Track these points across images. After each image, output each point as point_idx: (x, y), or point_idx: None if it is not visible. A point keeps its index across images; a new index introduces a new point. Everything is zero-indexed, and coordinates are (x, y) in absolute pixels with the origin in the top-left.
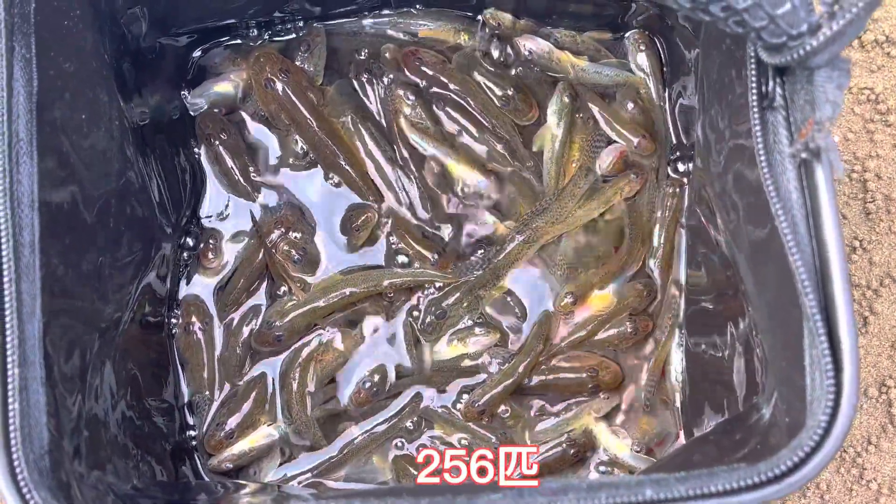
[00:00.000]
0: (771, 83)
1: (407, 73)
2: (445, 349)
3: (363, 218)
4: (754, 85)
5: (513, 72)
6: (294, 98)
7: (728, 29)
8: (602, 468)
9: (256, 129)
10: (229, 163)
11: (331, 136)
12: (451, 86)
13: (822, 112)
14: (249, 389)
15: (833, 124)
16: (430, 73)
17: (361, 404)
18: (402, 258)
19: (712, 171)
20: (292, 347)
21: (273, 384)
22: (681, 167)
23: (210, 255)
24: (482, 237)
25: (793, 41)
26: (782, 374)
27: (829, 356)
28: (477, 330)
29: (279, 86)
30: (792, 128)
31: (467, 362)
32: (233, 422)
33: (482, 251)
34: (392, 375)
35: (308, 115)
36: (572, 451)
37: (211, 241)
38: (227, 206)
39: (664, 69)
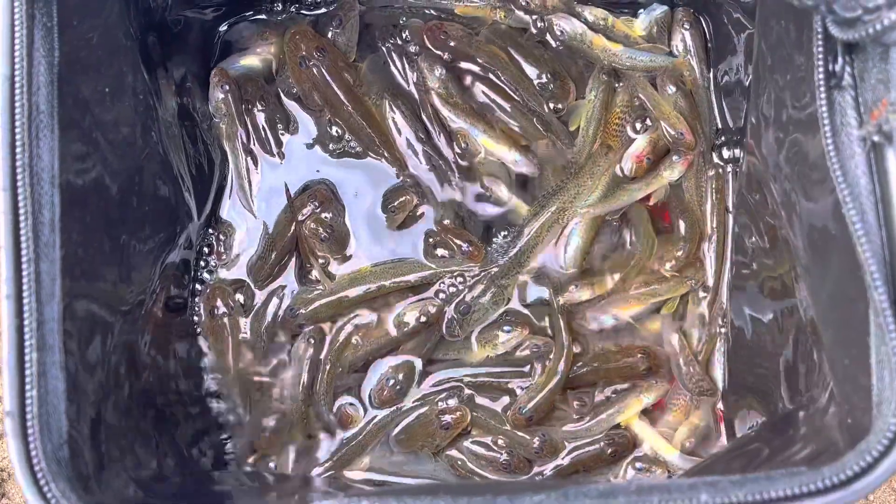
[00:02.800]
0: (840, 60)
1: (431, 47)
2: (475, 353)
3: (400, 200)
4: (821, 63)
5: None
6: (329, 78)
7: (797, 2)
8: (638, 465)
9: (289, 107)
10: (263, 132)
11: (366, 117)
12: (479, 59)
13: None
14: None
15: None
16: (455, 45)
17: (384, 403)
18: (441, 251)
19: (767, 155)
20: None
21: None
22: (725, 153)
23: (221, 250)
24: (504, 219)
25: (868, 15)
26: (844, 372)
27: None
28: (504, 328)
29: (314, 65)
30: (861, 109)
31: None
32: None
33: (505, 234)
34: (419, 370)
35: (343, 97)
36: (610, 451)
37: (221, 236)
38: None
39: (709, 49)
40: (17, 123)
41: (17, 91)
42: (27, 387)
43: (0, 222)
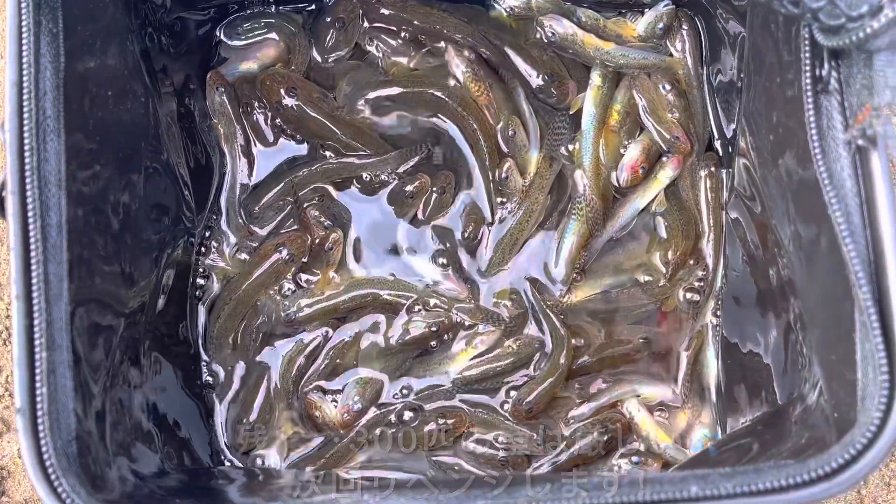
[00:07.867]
0: (826, 66)
1: (367, 22)
2: (458, 358)
3: (417, 183)
4: (808, 68)
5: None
6: (310, 112)
7: (783, 10)
8: (635, 458)
9: None
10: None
11: (357, 136)
12: (415, 21)
13: (880, 97)
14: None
15: (893, 111)
16: (389, 13)
17: (346, 426)
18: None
19: (756, 157)
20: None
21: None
22: (720, 152)
23: (216, 256)
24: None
25: (852, 23)
26: (831, 367)
27: (884, 350)
28: (480, 328)
29: (288, 105)
30: (847, 113)
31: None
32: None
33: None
34: (386, 389)
35: (330, 124)
36: (605, 439)
37: (214, 242)
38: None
39: (703, 49)
40: (26, 128)
41: (26, 96)
42: (37, 384)
43: (10, 225)
